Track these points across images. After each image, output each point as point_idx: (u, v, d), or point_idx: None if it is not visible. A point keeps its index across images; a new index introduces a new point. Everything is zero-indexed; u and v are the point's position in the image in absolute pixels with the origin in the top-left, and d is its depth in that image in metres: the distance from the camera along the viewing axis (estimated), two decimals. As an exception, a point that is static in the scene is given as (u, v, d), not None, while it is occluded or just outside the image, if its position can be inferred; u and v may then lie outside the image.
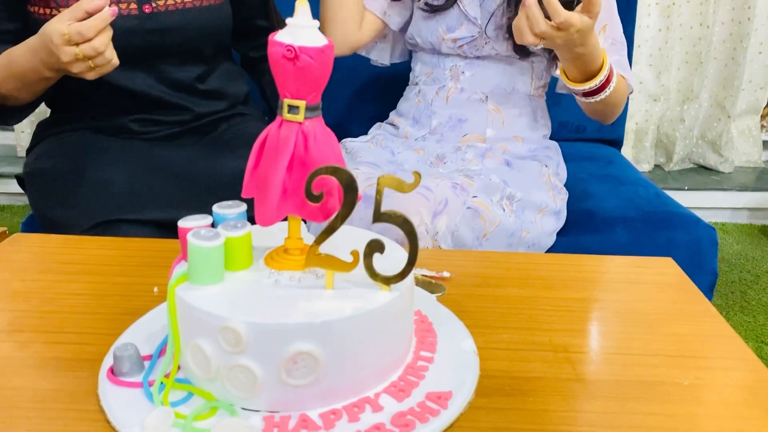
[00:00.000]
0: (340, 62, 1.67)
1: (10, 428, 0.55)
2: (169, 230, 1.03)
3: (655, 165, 2.73)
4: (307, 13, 0.57)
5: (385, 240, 0.59)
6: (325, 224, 0.58)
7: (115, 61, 0.95)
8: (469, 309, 0.75)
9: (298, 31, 0.57)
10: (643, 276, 0.84)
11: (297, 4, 0.57)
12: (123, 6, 1.10)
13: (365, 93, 1.77)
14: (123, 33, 1.02)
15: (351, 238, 0.63)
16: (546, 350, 0.68)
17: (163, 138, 1.19)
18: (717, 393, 0.62)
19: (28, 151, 1.24)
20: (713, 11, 2.56)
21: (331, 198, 0.59)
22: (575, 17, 0.99)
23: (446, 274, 0.82)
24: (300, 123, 0.58)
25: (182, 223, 0.62)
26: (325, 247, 0.59)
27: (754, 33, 2.56)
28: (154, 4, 1.12)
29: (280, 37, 0.57)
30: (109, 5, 0.92)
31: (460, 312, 0.72)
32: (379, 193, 0.57)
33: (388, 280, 0.59)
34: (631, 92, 1.27)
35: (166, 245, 0.90)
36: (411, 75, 1.40)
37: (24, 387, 0.61)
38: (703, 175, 2.70)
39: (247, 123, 1.30)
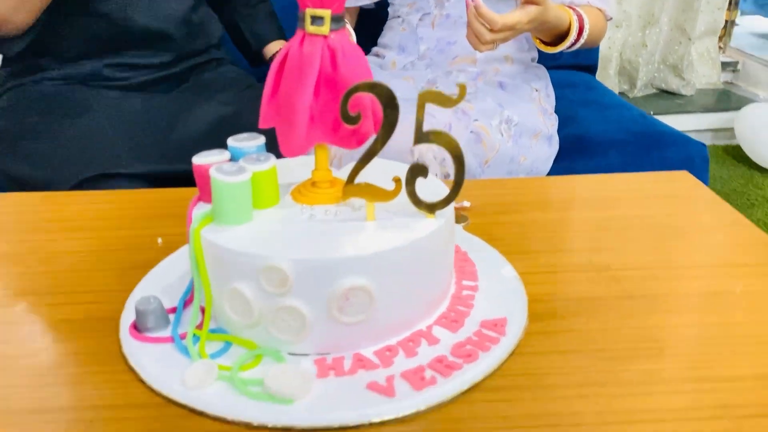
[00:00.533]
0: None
1: (37, 396, 0.50)
2: (157, 184, 0.96)
3: (619, 92, 2.74)
4: None
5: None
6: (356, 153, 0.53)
7: None
8: (498, 236, 0.71)
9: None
10: (664, 190, 0.82)
11: None
12: None
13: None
14: None
15: (371, 169, 0.58)
16: (588, 271, 0.65)
17: (137, 86, 1.10)
18: (768, 298, 0.61)
19: None
20: (672, -68, 2.53)
21: (366, 120, 0.54)
22: (515, 16, 1.00)
23: (466, 203, 0.78)
24: (325, 36, 0.52)
25: (198, 160, 0.56)
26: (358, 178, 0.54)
27: (712, -48, 2.55)
28: None
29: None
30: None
31: (491, 240, 0.69)
32: (420, 108, 0.52)
33: (433, 207, 0.55)
34: (611, 19, 1.26)
35: (161, 195, 0.83)
36: (390, 9, 1.33)
37: (40, 353, 0.55)
38: (666, 99, 2.71)
39: (223, 67, 1.23)
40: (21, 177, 1.01)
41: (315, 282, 0.49)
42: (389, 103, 0.51)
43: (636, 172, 0.89)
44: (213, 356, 0.52)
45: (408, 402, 0.48)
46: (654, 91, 2.78)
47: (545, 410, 0.48)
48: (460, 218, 0.75)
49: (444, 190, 0.56)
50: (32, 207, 0.82)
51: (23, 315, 0.60)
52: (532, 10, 1.02)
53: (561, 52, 1.21)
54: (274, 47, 1.31)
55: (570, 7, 1.15)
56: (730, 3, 2.73)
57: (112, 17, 1.06)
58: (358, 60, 0.54)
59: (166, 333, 0.55)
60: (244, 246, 0.50)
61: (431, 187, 0.56)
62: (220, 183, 0.52)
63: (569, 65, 1.83)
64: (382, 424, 0.46)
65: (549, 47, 1.20)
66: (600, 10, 1.21)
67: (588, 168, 1.26)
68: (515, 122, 1.13)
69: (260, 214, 0.55)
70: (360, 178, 0.54)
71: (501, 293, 0.60)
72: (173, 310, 0.58)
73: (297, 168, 0.61)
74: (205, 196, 0.57)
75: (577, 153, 1.29)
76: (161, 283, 0.63)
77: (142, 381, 0.51)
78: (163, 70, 1.12)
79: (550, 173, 1.21)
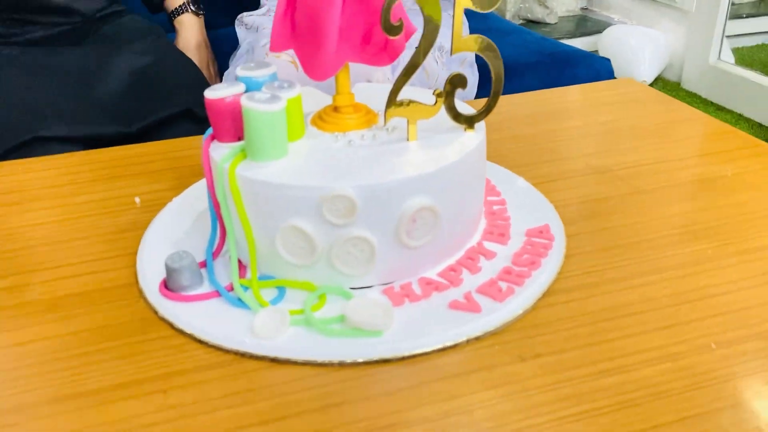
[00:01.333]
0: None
1: (87, 372, 0.43)
2: (92, 146, 0.86)
3: (491, 25, 2.81)
4: None
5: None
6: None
7: None
8: (493, 154, 0.71)
9: None
10: (619, 96, 0.86)
11: None
12: None
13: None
14: None
15: (365, 93, 0.55)
16: (592, 173, 0.67)
17: (40, 41, 0.97)
18: (763, 175, 0.65)
19: None
20: None
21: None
22: None
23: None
24: (352, -58, 0.48)
25: (211, 94, 0.50)
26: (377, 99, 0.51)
27: None
28: None
29: None
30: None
31: (497, 158, 0.69)
32: (459, 7, 0.49)
33: (472, 120, 0.53)
34: None
35: (113, 155, 0.74)
36: None
37: (66, 332, 0.47)
38: (533, 28, 2.83)
39: (124, 17, 1.10)
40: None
41: (382, 207, 0.46)
42: (432, 7, 0.48)
43: (584, 84, 0.92)
44: (274, 302, 0.48)
45: (495, 315, 0.47)
46: (521, 21, 2.89)
47: (620, 301, 0.49)
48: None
49: (468, 108, 0.55)
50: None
51: (16, 297, 0.51)
52: None
53: None
54: None
55: None
56: (579, -68, 2.87)
57: None
58: (383, -32, 0.50)
59: (203, 289, 0.50)
60: (298, 179, 0.46)
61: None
62: (257, 113, 0.46)
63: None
64: (478, 339, 0.45)
65: None
66: None
67: (510, 91, 1.29)
68: (445, 49, 1.12)
69: (292, 147, 0.50)
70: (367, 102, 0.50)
71: (526, 203, 0.60)
72: (202, 264, 0.52)
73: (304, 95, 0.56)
74: (223, 133, 0.51)
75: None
76: (166, 240, 0.56)
77: (200, 341, 0.46)
78: (64, 18, 0.99)
79: (476, 98, 1.23)
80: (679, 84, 2.55)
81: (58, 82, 0.92)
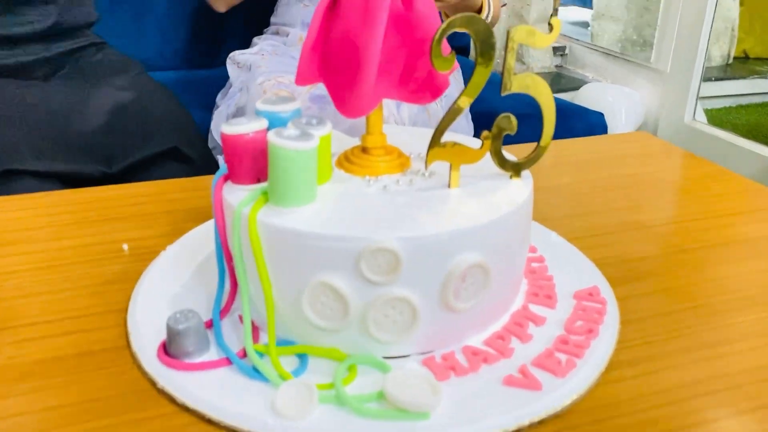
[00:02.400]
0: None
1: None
2: (70, 184, 0.78)
3: (469, 78, 2.83)
4: None
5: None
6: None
7: None
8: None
9: None
10: (642, 150, 0.82)
11: None
12: None
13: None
14: None
15: (398, 136, 0.50)
16: (629, 229, 0.62)
17: (12, 70, 0.89)
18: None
19: None
20: None
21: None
22: None
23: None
24: (397, -34, 0.43)
25: (229, 129, 0.43)
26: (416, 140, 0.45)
27: (540, -56, 2.71)
28: None
29: None
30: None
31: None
32: (511, 50, 0.44)
33: (518, 167, 0.47)
34: (504, 5, 1.29)
35: (97, 195, 0.66)
36: None
37: (41, 408, 0.39)
38: (510, 83, 2.85)
39: (104, 51, 1.04)
40: None
41: (429, 263, 0.40)
42: (486, 40, 0.43)
43: (599, 135, 0.88)
44: (296, 374, 0.40)
45: (558, 393, 0.40)
46: (498, 74, 2.90)
47: (692, 377, 0.43)
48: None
49: (509, 154, 0.49)
50: None
51: (-7, 360, 0.43)
52: None
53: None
54: None
55: None
56: (555, -8, 2.93)
57: None
58: (429, -4, 0.45)
59: (209, 355, 0.42)
60: (333, 227, 0.39)
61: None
62: (286, 151, 0.40)
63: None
64: (542, 422, 0.39)
65: None
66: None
67: (507, 142, 1.25)
68: (445, 93, 1.09)
69: (319, 190, 0.44)
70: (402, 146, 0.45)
71: (566, 261, 0.54)
72: (208, 324, 0.45)
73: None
74: (240, 174, 0.44)
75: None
76: (161, 295, 0.49)
77: (210, 420, 0.38)
78: (40, 45, 0.91)
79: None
80: (654, 142, 2.57)
81: (34, 115, 0.84)
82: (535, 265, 0.53)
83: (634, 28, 2.88)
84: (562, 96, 2.82)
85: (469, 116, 1.23)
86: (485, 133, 0.45)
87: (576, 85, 2.90)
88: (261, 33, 1.23)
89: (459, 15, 0.41)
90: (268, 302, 0.42)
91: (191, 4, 1.48)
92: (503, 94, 0.46)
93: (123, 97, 0.95)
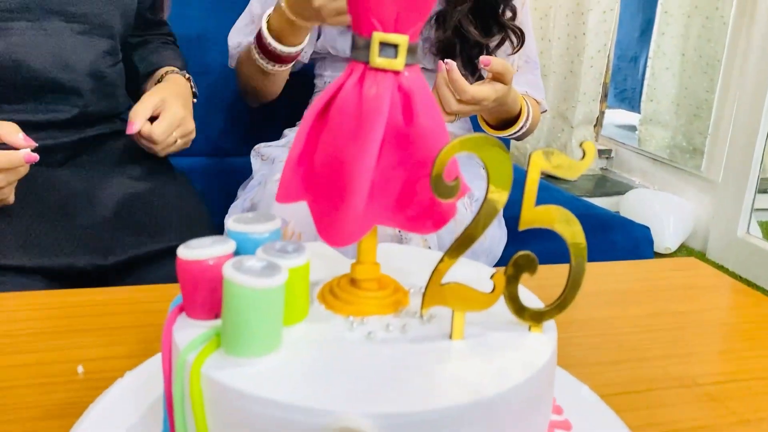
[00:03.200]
0: (219, 68, 1.42)
1: None
2: (55, 280, 0.72)
3: (510, 177, 2.77)
4: None
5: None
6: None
7: (10, 199, 0.75)
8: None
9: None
10: (691, 280, 0.72)
11: None
12: None
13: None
14: None
15: (392, 259, 0.42)
16: (675, 386, 0.51)
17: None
18: None
19: None
20: (552, 26, 2.66)
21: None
22: (485, 90, 0.93)
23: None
24: (397, 73, 0.36)
25: (186, 253, 0.36)
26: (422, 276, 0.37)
27: (587, 47, 2.71)
28: None
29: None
30: (32, 150, 0.73)
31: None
32: (534, 168, 0.37)
33: (541, 317, 0.39)
34: (545, 111, 1.24)
35: (68, 299, 0.60)
36: (318, 81, 1.20)
37: None
38: (552, 183, 2.78)
39: (124, 138, 1.00)
40: None
41: (412, 448, 0.31)
42: (500, 168, 0.35)
43: (639, 260, 0.79)
44: None
45: None
46: (541, 176, 2.84)
47: None
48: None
49: (529, 294, 0.41)
50: None
51: None
52: (500, 88, 0.94)
53: (505, 138, 1.15)
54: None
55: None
56: (602, 95, 2.90)
57: (5, 61, 0.82)
58: (435, 108, 0.38)
59: None
60: (290, 393, 0.31)
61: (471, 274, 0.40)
62: (243, 289, 0.32)
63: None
64: None
65: (495, 131, 1.13)
66: (537, 101, 1.19)
67: (543, 251, 1.16)
68: (475, 197, 1.02)
69: (288, 334, 0.36)
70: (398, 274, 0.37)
71: (596, 425, 0.44)
72: (138, 494, 0.36)
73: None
74: (195, 308, 0.37)
75: (524, 236, 1.19)
76: (100, 441, 0.40)
77: None
78: (62, 131, 0.88)
79: (503, 256, 1.10)
80: (704, 254, 2.44)
81: (37, 205, 0.80)
82: (558, 431, 0.43)
83: (683, 135, 2.81)
84: (607, 200, 2.73)
85: (502, 221, 1.16)
86: (497, 273, 0.37)
87: (621, 189, 2.81)
88: (293, 125, 1.19)
89: (469, 136, 0.34)
90: (209, 478, 0.33)
91: (230, 92, 1.47)
92: (521, 229, 0.38)
93: (135, 187, 0.90)
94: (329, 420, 0.30)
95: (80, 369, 0.49)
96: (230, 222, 0.39)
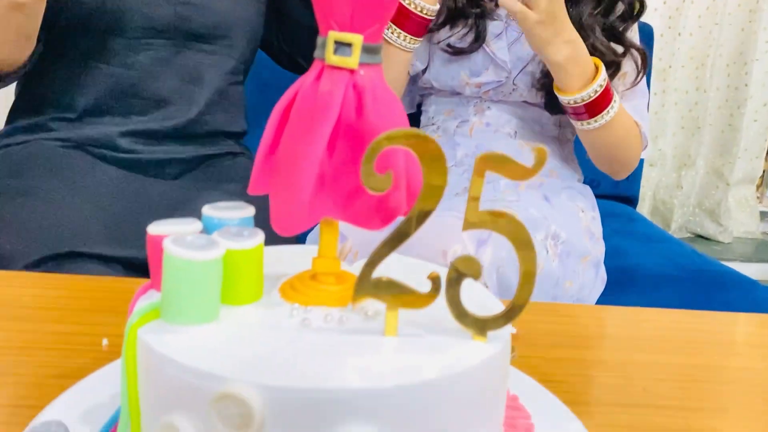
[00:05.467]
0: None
1: None
2: (141, 272, 0.80)
3: (653, 234, 2.60)
4: None
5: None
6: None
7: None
8: (555, 378, 0.53)
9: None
10: (763, 337, 0.64)
11: None
12: None
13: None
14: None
15: (393, 268, 0.41)
16: (688, 439, 0.46)
17: (143, 164, 0.97)
18: None
19: None
20: (710, 75, 2.49)
21: (397, 190, 0.38)
22: None
23: (512, 329, 0.60)
24: (352, 71, 0.38)
25: (154, 229, 0.40)
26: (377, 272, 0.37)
27: (750, 99, 2.49)
28: None
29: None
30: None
31: (547, 382, 0.50)
32: (477, 177, 0.36)
33: (485, 325, 0.37)
34: (646, 146, 1.14)
35: (129, 285, 0.66)
36: (423, 117, 1.22)
37: None
38: (702, 245, 2.56)
39: (239, 158, 1.10)
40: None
41: (297, 425, 0.31)
42: (434, 161, 0.35)
43: (725, 312, 0.71)
44: None
45: None
46: (689, 235, 2.63)
47: None
48: (503, 348, 0.57)
49: (497, 304, 0.39)
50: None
51: None
52: None
53: (589, 124, 1.03)
54: None
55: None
56: (767, 153, 2.65)
57: (138, 74, 0.94)
58: (393, 106, 0.39)
59: (68, 480, 0.37)
60: (192, 358, 0.33)
61: (477, 299, 0.39)
62: (177, 260, 0.35)
63: (609, 195, 1.70)
64: None
65: (569, 93, 1.01)
66: (636, 123, 1.09)
67: (641, 305, 1.08)
68: (562, 239, 0.97)
69: (231, 312, 0.38)
70: (379, 273, 0.37)
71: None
72: (91, 443, 0.39)
73: (299, 259, 0.44)
74: (158, 280, 0.40)
75: (625, 287, 1.12)
76: (87, 401, 0.45)
77: None
78: (181, 145, 0.99)
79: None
80: None
81: (130, 204, 0.89)
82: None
83: None
84: (763, 267, 2.46)
85: (601, 269, 1.09)
86: (433, 273, 0.36)
87: (783, 257, 2.53)
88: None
89: (398, 129, 0.34)
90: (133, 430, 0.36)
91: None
92: (463, 230, 0.37)
93: (226, 200, 0.98)
94: (218, 386, 0.31)
95: (105, 342, 0.54)
96: (205, 207, 0.42)
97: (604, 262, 1.12)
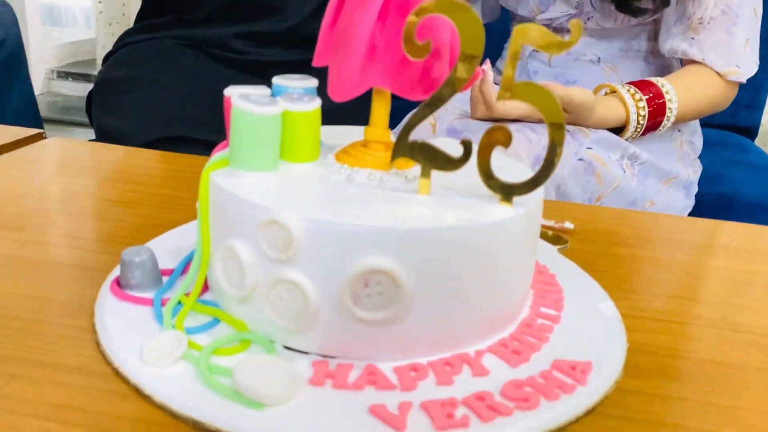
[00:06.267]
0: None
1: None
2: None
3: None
4: None
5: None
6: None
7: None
8: (602, 268, 0.55)
9: None
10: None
11: None
12: None
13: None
14: None
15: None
16: (721, 327, 0.47)
17: (258, 65, 1.05)
18: None
19: (104, 62, 1.12)
20: None
21: (438, 62, 0.41)
22: (520, 109, 0.86)
23: (569, 225, 0.62)
24: (408, -50, 0.40)
25: (229, 91, 0.45)
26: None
27: None
28: None
29: None
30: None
31: (591, 270, 0.53)
32: (515, 45, 0.38)
33: (511, 190, 0.40)
34: (741, 82, 0.98)
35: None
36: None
37: (6, 291, 0.45)
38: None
39: None
40: (109, 128, 0.97)
41: (328, 252, 0.36)
42: (471, 35, 0.37)
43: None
44: (190, 331, 0.40)
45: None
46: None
47: None
48: (557, 240, 0.60)
49: (528, 175, 0.42)
50: (88, 154, 0.75)
51: (8, 248, 0.51)
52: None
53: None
54: None
55: (646, 85, 0.94)
56: None
57: None
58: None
59: (152, 294, 0.44)
60: (248, 193, 0.39)
61: (511, 170, 0.42)
62: (241, 113, 0.40)
63: (726, 125, 1.61)
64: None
65: (623, 135, 0.96)
66: (719, 74, 0.96)
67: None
68: (641, 160, 0.95)
69: (289, 166, 0.43)
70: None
71: (590, 332, 0.44)
72: (170, 271, 0.47)
73: (358, 134, 0.48)
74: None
75: (718, 212, 1.08)
76: (176, 243, 0.52)
77: (97, 343, 0.40)
78: (282, 47, 1.06)
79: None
80: None
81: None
82: (542, 321, 0.44)
83: None
84: None
85: (692, 189, 1.05)
86: (465, 139, 0.39)
87: None
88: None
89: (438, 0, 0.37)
90: (203, 259, 0.42)
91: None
92: (497, 100, 0.39)
93: (327, 103, 1.05)
94: (266, 215, 0.37)
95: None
96: (275, 77, 0.47)
97: (701, 187, 1.08)
